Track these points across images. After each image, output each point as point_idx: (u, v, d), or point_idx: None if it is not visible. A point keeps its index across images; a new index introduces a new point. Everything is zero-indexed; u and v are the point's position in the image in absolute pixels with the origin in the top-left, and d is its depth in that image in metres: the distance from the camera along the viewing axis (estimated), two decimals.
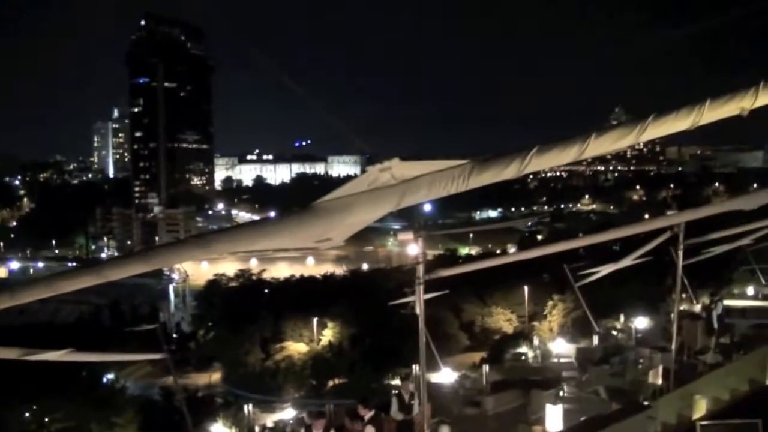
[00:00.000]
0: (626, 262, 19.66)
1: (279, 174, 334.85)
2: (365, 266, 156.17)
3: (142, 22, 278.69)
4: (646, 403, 16.69)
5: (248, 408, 32.22)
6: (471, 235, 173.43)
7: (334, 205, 4.45)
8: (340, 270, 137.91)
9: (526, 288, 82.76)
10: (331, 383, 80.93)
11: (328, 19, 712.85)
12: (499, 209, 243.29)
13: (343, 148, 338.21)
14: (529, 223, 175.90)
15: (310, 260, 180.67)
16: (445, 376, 24.85)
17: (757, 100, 5.15)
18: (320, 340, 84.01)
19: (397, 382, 60.61)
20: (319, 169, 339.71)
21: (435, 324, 65.85)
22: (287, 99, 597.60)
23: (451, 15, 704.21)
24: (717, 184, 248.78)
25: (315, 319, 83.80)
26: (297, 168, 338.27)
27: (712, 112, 5.05)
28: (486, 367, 24.85)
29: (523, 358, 37.93)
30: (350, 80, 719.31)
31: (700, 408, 16.87)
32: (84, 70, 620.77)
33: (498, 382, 22.89)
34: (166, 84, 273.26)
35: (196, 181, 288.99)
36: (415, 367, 20.10)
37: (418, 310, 12.73)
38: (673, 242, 17.05)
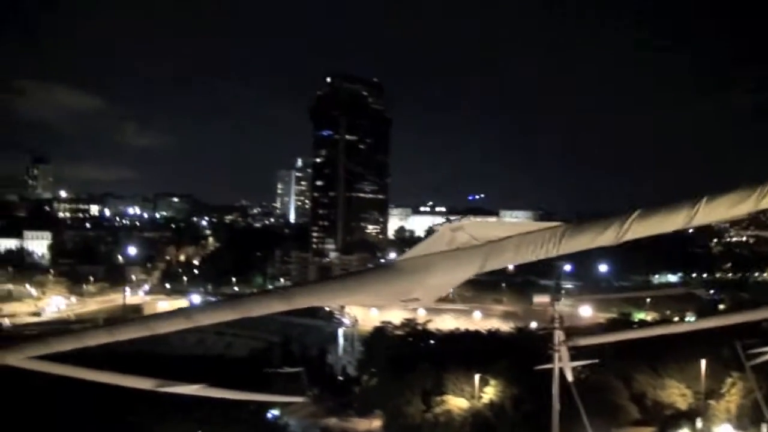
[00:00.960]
0: None
1: None
2: (533, 324, 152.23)
3: (328, 80, 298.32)
4: None
5: None
6: (648, 300, 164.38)
7: (415, 264, 4.40)
8: (506, 327, 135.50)
9: (703, 362, 76.97)
10: None
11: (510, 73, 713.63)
12: (680, 274, 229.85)
13: (516, 204, 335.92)
14: (711, 291, 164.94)
15: (477, 314, 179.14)
16: None
17: None
18: (481, 397, 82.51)
19: None
20: None
21: (599, 393, 63.05)
22: (463, 152, 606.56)
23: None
24: None
25: (477, 375, 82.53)
26: None
27: None
28: None
29: None
30: (524, 136, 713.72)
31: None
32: (270, 124, 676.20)
33: None
34: (348, 136, 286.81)
35: (370, 229, 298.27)
36: None
37: (556, 377, 12.61)
38: None
